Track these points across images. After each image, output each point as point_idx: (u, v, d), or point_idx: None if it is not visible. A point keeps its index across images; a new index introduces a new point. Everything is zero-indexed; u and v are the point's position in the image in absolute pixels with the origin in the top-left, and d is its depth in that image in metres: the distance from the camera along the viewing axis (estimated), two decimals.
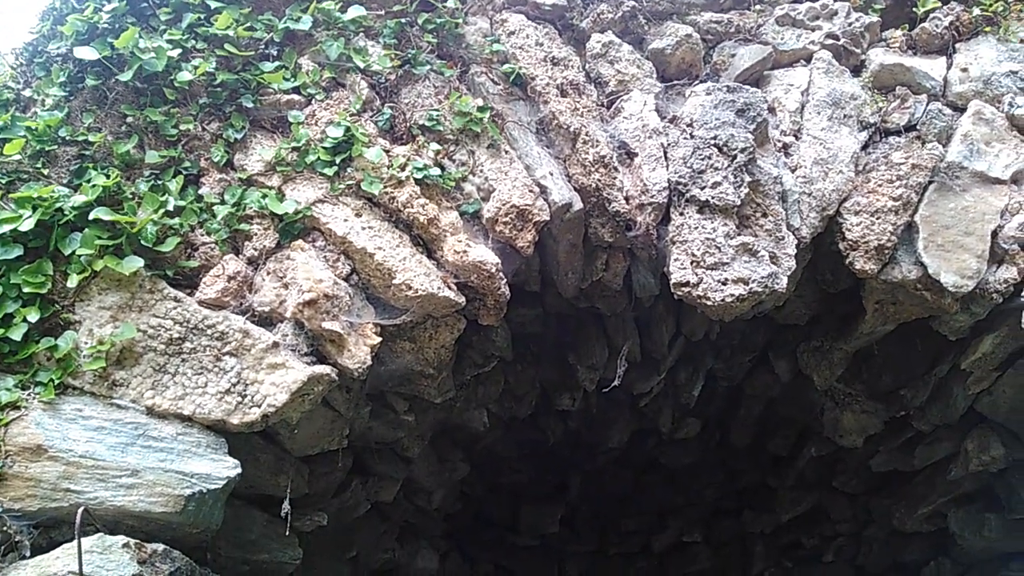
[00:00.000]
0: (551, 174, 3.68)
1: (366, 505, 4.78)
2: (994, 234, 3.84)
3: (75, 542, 2.75)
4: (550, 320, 4.78)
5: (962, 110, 3.98)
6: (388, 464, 4.80)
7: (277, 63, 3.54)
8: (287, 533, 3.57)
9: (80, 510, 2.61)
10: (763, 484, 7.30)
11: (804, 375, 5.17)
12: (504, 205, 3.58)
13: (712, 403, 6.08)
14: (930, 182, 3.89)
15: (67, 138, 3.20)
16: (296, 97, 3.52)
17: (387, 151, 3.53)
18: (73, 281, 2.98)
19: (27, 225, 2.94)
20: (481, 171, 3.66)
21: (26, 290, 2.95)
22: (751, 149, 3.60)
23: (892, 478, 5.92)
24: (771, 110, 3.87)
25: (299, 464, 3.81)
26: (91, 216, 3.00)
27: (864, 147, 3.95)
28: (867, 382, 5.00)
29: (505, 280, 3.62)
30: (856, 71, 4.08)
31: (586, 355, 5.07)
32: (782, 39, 4.04)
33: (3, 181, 3.06)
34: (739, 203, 3.58)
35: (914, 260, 3.89)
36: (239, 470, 3.10)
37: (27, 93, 3.26)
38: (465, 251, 3.49)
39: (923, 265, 3.86)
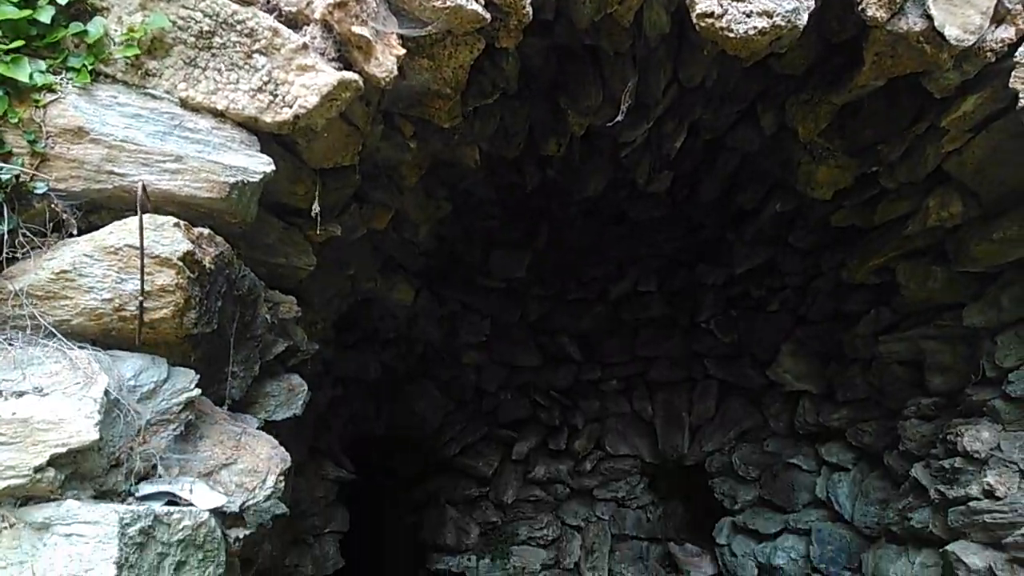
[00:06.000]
0: None
1: (362, 230, 4.95)
2: None
3: (124, 220, 2.87)
4: (551, 55, 4.76)
5: None
6: (385, 191, 4.94)
7: None
8: (317, 232, 3.74)
9: (140, 184, 2.69)
10: (721, 239, 7.72)
11: (787, 129, 5.36)
12: None
13: (689, 157, 6.27)
14: None
15: None
16: None
17: None
18: None
19: None
20: None
21: None
22: None
23: (847, 234, 6.33)
24: None
25: (314, 175, 3.90)
26: None
27: None
28: (847, 137, 5.21)
29: None
30: None
31: (581, 97, 5.11)
32: None
33: None
34: None
35: (921, 12, 3.97)
36: (273, 167, 3.20)
37: None
38: None
39: (930, 17, 3.93)
